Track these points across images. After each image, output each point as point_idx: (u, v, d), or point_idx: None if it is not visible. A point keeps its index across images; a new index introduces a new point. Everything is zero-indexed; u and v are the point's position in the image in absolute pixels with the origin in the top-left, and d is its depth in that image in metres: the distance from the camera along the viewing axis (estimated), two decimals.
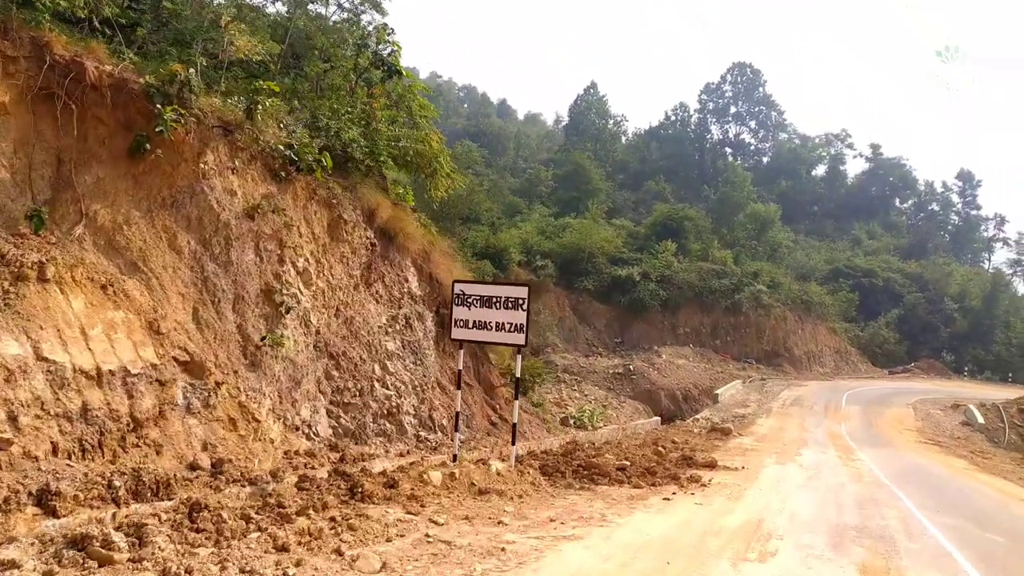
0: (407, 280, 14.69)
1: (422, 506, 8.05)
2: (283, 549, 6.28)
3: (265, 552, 6.25)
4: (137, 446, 8.25)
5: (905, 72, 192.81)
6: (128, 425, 8.24)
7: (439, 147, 15.92)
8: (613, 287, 49.28)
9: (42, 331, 7.67)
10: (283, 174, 11.84)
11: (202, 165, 10.50)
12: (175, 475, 8.22)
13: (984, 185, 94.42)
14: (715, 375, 42.47)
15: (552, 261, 49.08)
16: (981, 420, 29.12)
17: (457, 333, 10.66)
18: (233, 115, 11.28)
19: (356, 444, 11.75)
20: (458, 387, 10.74)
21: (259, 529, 6.75)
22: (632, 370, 39.11)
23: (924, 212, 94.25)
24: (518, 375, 10.59)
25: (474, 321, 10.34)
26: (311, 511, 7.40)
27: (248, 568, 5.74)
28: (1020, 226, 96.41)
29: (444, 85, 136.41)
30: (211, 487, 8.39)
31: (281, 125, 12.50)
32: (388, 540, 6.99)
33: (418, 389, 13.86)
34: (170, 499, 7.42)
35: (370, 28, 16.68)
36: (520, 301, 10.11)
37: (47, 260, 8.14)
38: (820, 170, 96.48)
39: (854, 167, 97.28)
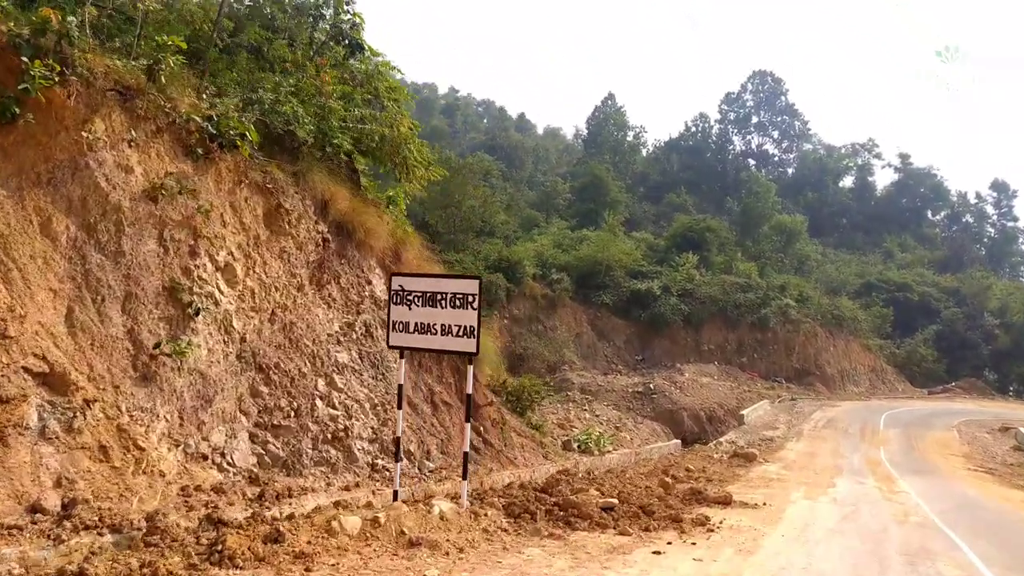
0: (370, 282, 12.63)
1: (307, 570, 5.91)
2: None
3: None
4: None
5: (930, 78, 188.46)
6: None
7: (408, 133, 13.85)
8: (632, 302, 46.90)
9: None
10: (200, 151, 9.85)
11: (87, 135, 8.53)
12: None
13: (1020, 196, 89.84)
14: (742, 394, 39.80)
15: (568, 275, 46.89)
16: None
17: (395, 339, 8.53)
18: (135, 79, 9.33)
19: (288, 475, 9.63)
20: (398, 405, 8.58)
21: None
22: (653, 389, 36.60)
23: (958, 224, 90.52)
24: (469, 391, 8.41)
25: (416, 324, 8.23)
26: None
27: None
28: None
29: (462, 100, 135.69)
30: (48, 536, 6.34)
31: (204, 95, 10.56)
32: None
33: (378, 408, 11.72)
34: None
35: None
36: (470, 298, 7.96)
37: None
38: (847, 181, 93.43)
39: (883, 178, 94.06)
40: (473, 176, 51.17)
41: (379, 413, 11.74)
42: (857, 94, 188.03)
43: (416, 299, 8.17)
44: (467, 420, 8.33)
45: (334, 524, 6.63)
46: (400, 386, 8.60)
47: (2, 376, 6.95)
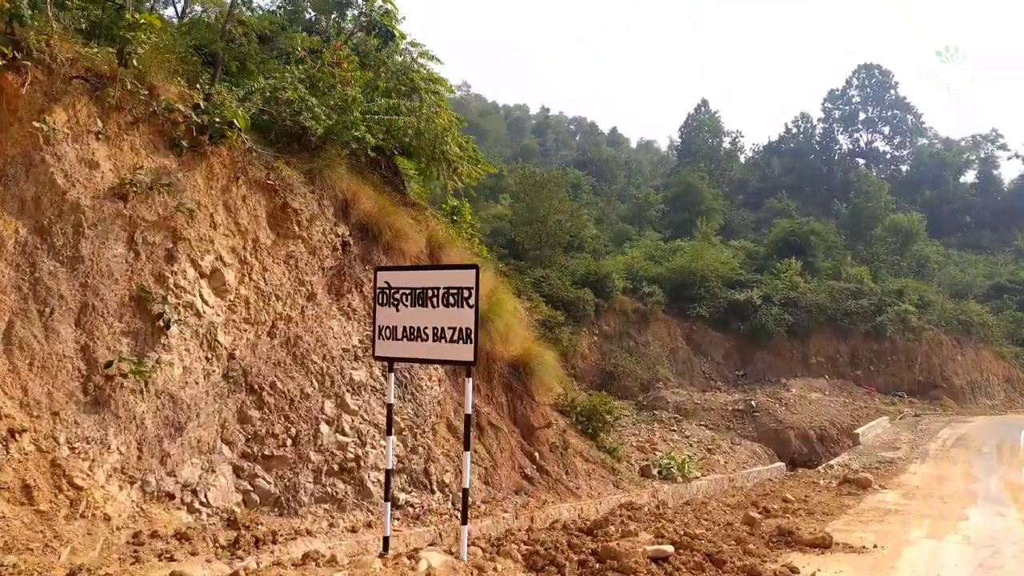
0: None
1: None
2: None
3: None
4: None
5: None
6: None
7: (447, 125, 12.40)
8: (731, 313, 43.86)
9: None
10: (185, 144, 8.71)
11: (42, 126, 7.49)
12: None
13: None
14: (857, 411, 36.09)
15: (661, 287, 44.43)
16: None
17: (381, 348, 6.89)
18: (108, 64, 8.29)
19: (281, 515, 8.21)
20: (388, 431, 6.97)
21: None
22: (755, 406, 33.68)
23: None
24: (468, 411, 6.69)
25: (405, 328, 6.62)
26: None
27: None
28: None
29: (553, 119, 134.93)
30: None
31: (199, 84, 9.46)
32: None
33: (405, 434, 10.22)
34: None
35: None
36: (465, 292, 6.25)
37: None
38: (969, 176, 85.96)
39: (1010, 170, 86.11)
40: (558, 190, 49.57)
41: (406, 439, 10.23)
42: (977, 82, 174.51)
43: (404, 297, 6.59)
44: (465, 448, 6.60)
45: None
46: (389, 407, 7.01)
47: None
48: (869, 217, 61.81)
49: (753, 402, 33.79)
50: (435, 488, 10.33)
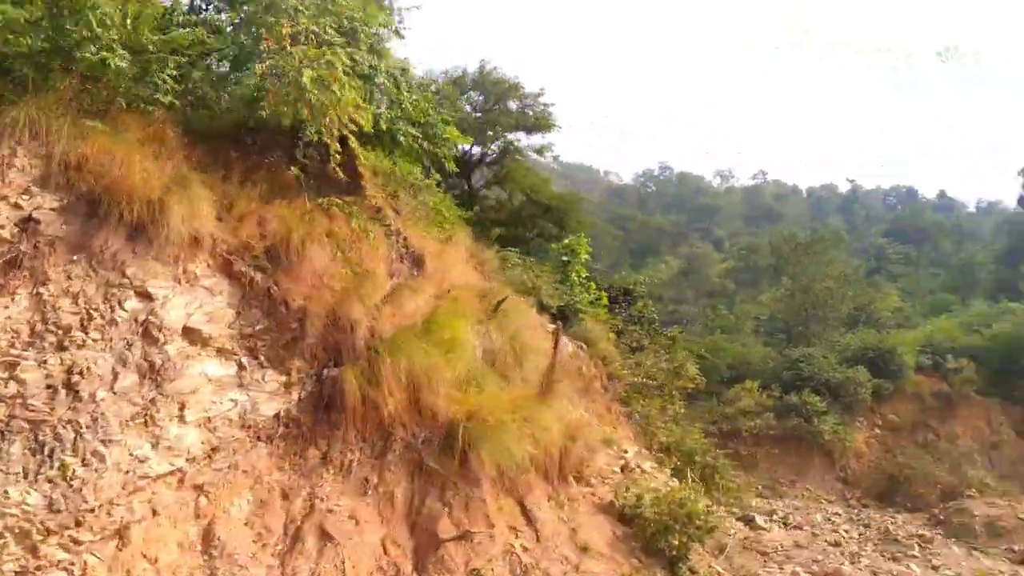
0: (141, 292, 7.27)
1: None
2: None
3: None
4: None
5: None
6: None
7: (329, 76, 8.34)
8: None
9: None
10: None
11: None
12: None
13: None
14: None
15: (977, 360, 33.54)
16: None
17: None
18: None
19: None
20: None
21: None
22: None
23: None
24: None
25: None
26: None
27: None
28: None
29: (863, 193, 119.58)
30: None
31: None
32: None
33: None
34: None
35: None
36: None
37: None
38: None
39: None
40: (825, 252, 41.23)
41: None
42: None
43: None
44: None
45: None
46: None
47: None
48: None
49: None
50: None
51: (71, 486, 6.00)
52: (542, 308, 13.86)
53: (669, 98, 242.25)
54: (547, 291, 14.24)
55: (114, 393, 6.57)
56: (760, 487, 25.35)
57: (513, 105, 25.48)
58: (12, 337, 6.31)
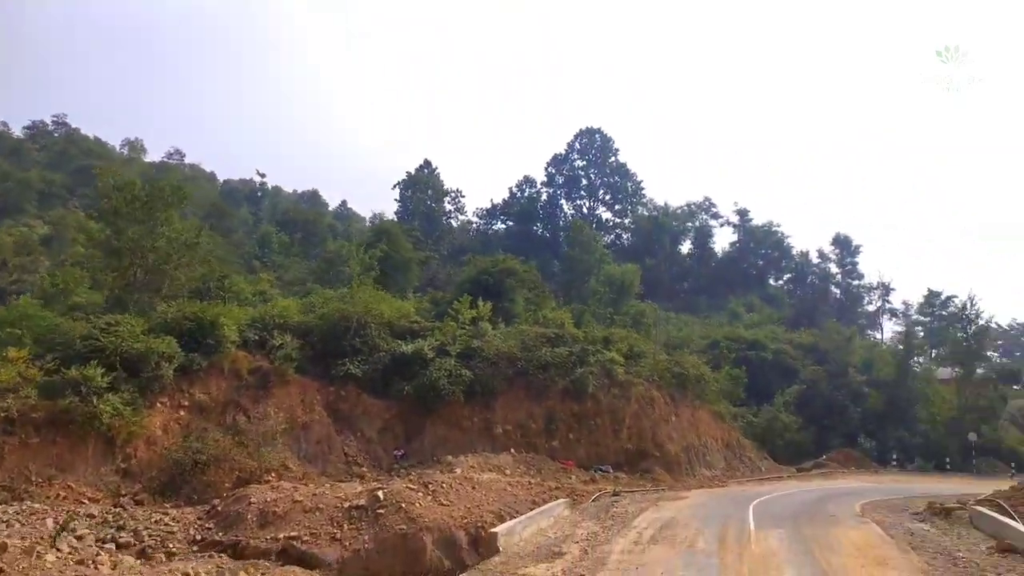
0: None
1: None
2: None
3: None
4: None
5: (762, 131, 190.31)
6: None
7: None
8: (394, 371, 32.35)
9: None
10: None
11: None
12: None
13: (864, 251, 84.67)
14: (544, 494, 25.35)
15: (302, 339, 31.83)
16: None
17: None
18: None
19: None
20: None
21: None
22: (382, 499, 21.44)
23: (803, 285, 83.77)
24: None
25: None
26: None
27: None
28: (906, 294, 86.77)
29: (273, 190, 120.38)
30: None
31: None
32: None
33: None
34: None
35: None
36: None
37: None
38: (686, 243, 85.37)
39: (723, 237, 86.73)
40: (162, 209, 34.85)
41: None
42: (689, 151, 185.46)
43: None
44: None
45: None
46: None
47: None
48: (584, 271, 54.85)
49: (380, 494, 21.56)
50: None
51: None
52: None
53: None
54: None
55: None
56: None
57: None
58: None
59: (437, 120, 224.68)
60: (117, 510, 21.70)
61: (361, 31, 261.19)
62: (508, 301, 39.08)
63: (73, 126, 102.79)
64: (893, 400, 51.19)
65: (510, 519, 20.59)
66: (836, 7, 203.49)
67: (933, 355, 59.51)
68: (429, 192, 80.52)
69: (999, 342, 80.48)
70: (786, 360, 54.80)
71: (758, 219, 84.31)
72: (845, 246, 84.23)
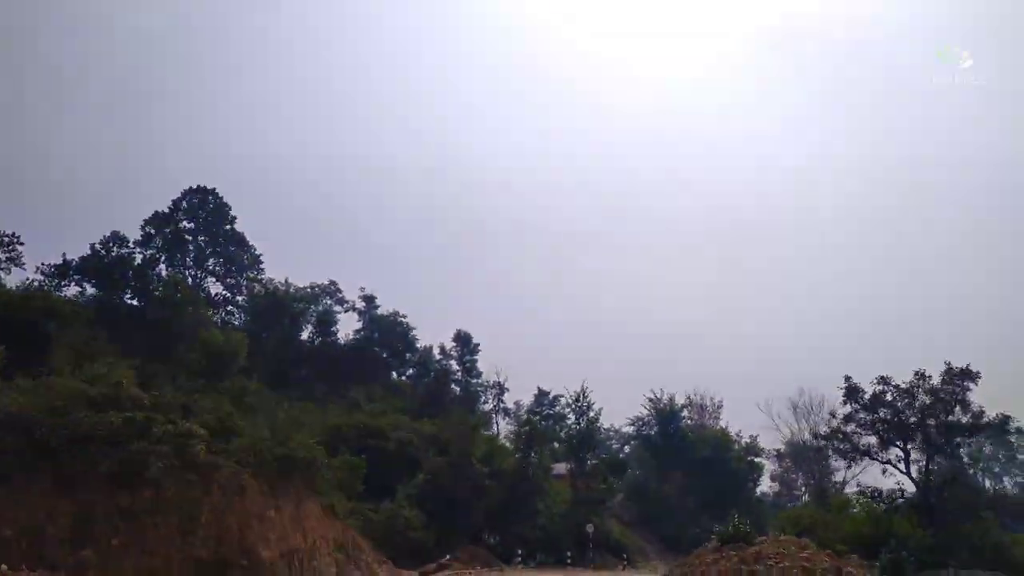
0: None
1: None
2: None
3: None
4: None
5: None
6: None
7: None
8: None
9: None
10: None
11: None
12: None
13: (481, 350, 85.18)
14: None
15: None
16: None
17: None
18: None
19: None
20: None
21: None
22: None
23: (427, 379, 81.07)
24: None
25: None
26: None
27: None
28: (518, 394, 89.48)
29: None
30: None
31: None
32: None
33: None
34: None
35: None
36: None
37: None
38: (307, 328, 77.44)
39: (347, 324, 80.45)
40: None
41: None
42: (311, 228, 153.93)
43: None
44: None
45: None
46: None
47: None
48: (176, 334, 43.76)
49: None
50: None
51: None
52: None
53: None
54: None
55: None
56: None
57: None
58: None
59: None
60: None
61: None
62: (42, 351, 27.23)
63: None
64: (514, 494, 48.59)
65: None
66: None
67: (547, 452, 59.34)
68: None
69: (610, 436, 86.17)
70: (410, 450, 49.49)
71: (385, 306, 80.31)
72: (465, 343, 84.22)
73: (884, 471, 34.95)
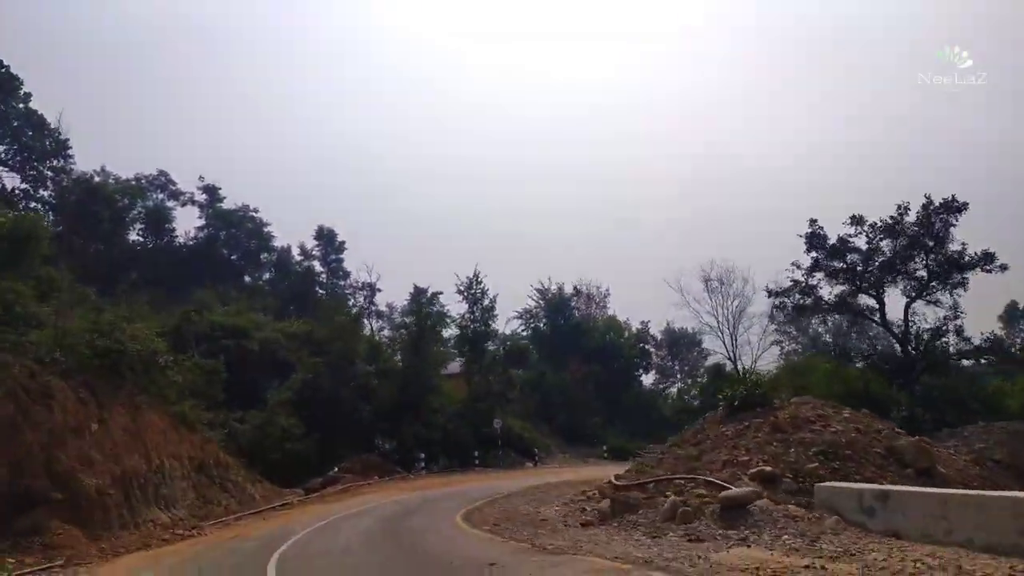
0: None
1: None
2: None
3: None
4: None
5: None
6: None
7: None
8: None
9: None
10: None
11: None
12: None
13: (348, 247, 76.19)
14: None
15: None
16: None
17: None
18: None
19: None
20: None
21: None
22: None
23: (287, 281, 71.55)
24: None
25: None
26: None
27: None
28: (392, 295, 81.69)
29: None
30: None
31: None
32: None
33: None
34: None
35: None
36: None
37: None
38: (136, 228, 65.15)
39: (186, 220, 68.52)
40: None
41: None
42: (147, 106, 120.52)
43: None
44: None
45: None
46: None
47: None
48: None
49: None
50: None
51: None
52: None
53: None
54: None
55: None
56: None
57: None
58: None
59: None
60: None
61: None
62: None
63: None
64: (406, 393, 42.06)
65: None
66: None
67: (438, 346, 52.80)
68: None
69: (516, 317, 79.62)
70: (279, 353, 41.48)
71: (232, 199, 69.01)
72: (329, 241, 74.96)
73: (852, 325, 31.28)
